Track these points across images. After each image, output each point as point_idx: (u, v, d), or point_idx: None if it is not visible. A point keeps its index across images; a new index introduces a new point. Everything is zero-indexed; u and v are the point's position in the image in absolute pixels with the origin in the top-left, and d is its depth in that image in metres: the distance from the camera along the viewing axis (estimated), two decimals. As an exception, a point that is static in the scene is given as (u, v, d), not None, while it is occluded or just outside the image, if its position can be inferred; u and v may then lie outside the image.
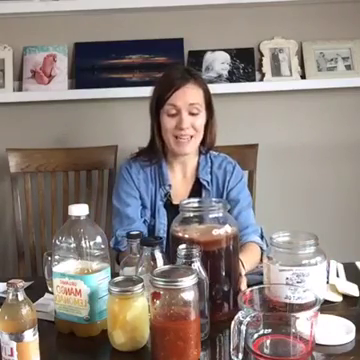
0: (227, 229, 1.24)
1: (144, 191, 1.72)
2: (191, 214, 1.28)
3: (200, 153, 1.76)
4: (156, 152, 1.72)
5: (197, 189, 1.73)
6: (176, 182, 1.74)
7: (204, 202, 1.39)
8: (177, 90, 1.62)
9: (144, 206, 1.72)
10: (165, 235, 1.66)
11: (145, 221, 1.71)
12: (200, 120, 1.66)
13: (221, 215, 1.27)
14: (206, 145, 1.74)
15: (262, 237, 1.69)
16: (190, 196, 1.70)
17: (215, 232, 1.23)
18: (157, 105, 1.67)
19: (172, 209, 1.68)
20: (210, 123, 1.72)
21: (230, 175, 1.74)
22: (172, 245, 1.27)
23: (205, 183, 1.73)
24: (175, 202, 1.71)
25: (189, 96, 1.63)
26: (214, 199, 1.43)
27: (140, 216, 1.71)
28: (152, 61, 2.26)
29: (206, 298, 1.15)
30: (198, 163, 1.76)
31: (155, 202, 1.72)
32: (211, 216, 1.27)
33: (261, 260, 1.58)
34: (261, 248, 1.62)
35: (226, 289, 1.24)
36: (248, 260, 1.45)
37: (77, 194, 2.16)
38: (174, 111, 1.64)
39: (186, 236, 1.24)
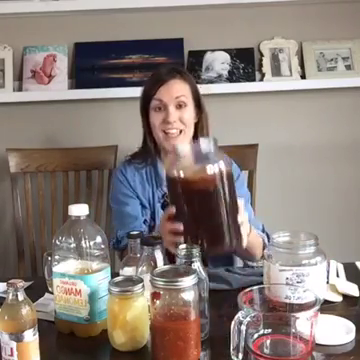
0: (221, 166, 1.21)
1: (141, 193, 1.71)
2: (184, 155, 1.25)
3: None
4: (149, 152, 1.71)
5: None
6: None
7: (195, 143, 1.33)
8: (162, 85, 1.63)
9: (144, 206, 1.72)
10: None
11: (145, 221, 1.71)
12: (188, 114, 1.65)
13: (212, 151, 1.23)
14: None
15: (263, 231, 1.67)
16: None
17: (210, 169, 1.20)
18: (145, 103, 1.67)
19: None
20: (201, 121, 1.71)
21: None
22: (169, 189, 1.26)
23: None
24: None
25: (175, 90, 1.63)
26: (202, 139, 1.39)
27: (141, 215, 1.70)
28: (152, 61, 2.26)
29: (206, 298, 1.15)
30: None
31: (153, 204, 1.71)
32: (204, 152, 1.23)
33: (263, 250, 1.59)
34: (263, 241, 1.60)
35: (226, 224, 1.22)
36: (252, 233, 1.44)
37: (77, 194, 2.16)
38: (161, 106, 1.63)
39: (181, 175, 1.21)
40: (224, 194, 1.21)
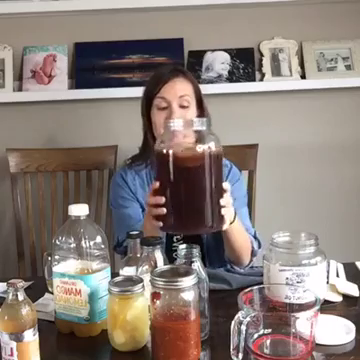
0: (211, 146, 1.22)
1: (141, 197, 1.70)
2: (175, 128, 1.25)
3: None
4: (149, 153, 1.69)
5: None
6: None
7: (188, 121, 1.35)
8: (166, 83, 1.62)
9: (143, 209, 1.69)
10: (164, 240, 1.65)
11: None
12: (191, 114, 1.64)
13: (205, 130, 1.24)
14: None
15: (255, 238, 1.65)
16: None
17: (199, 148, 1.21)
18: (147, 102, 1.66)
19: None
20: None
21: (225, 177, 1.71)
22: (157, 163, 1.27)
23: None
24: None
25: (178, 89, 1.63)
26: (195, 118, 1.38)
27: (140, 218, 1.68)
28: (152, 61, 2.26)
29: (206, 298, 1.15)
30: None
31: None
32: (195, 129, 1.24)
33: (251, 256, 1.59)
34: (252, 245, 1.60)
35: (208, 203, 1.22)
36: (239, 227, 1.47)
37: (77, 194, 2.16)
38: (164, 104, 1.63)
39: (170, 152, 1.22)
40: (210, 174, 1.22)
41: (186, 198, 1.22)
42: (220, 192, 1.26)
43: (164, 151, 1.23)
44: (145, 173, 1.73)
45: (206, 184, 1.22)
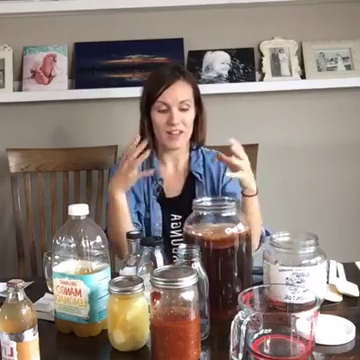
0: (240, 228, 1.24)
1: (136, 187, 1.74)
2: (204, 213, 1.28)
3: (191, 149, 1.79)
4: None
5: (190, 182, 1.76)
6: (168, 176, 1.77)
7: (217, 201, 1.38)
8: (167, 88, 1.66)
9: (138, 200, 1.75)
10: (160, 228, 1.71)
11: (139, 214, 1.74)
12: (190, 116, 1.70)
13: (234, 214, 1.26)
14: (197, 141, 1.78)
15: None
16: (183, 190, 1.75)
17: (228, 231, 1.23)
18: (147, 102, 1.70)
19: (165, 203, 1.74)
20: (200, 119, 1.75)
21: (224, 169, 1.74)
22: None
23: (198, 176, 1.75)
24: (168, 196, 1.76)
25: (179, 93, 1.67)
26: (227, 198, 1.43)
27: (133, 208, 1.73)
28: (152, 61, 2.26)
29: (206, 298, 1.15)
30: (190, 157, 1.79)
31: (149, 197, 1.75)
32: (224, 215, 1.26)
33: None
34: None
35: (238, 289, 1.23)
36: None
37: (77, 194, 2.16)
38: (164, 108, 1.68)
39: (199, 234, 1.24)
40: (239, 255, 1.24)
41: (216, 282, 1.21)
42: (249, 271, 1.29)
43: (193, 232, 1.25)
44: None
45: (235, 266, 1.24)
